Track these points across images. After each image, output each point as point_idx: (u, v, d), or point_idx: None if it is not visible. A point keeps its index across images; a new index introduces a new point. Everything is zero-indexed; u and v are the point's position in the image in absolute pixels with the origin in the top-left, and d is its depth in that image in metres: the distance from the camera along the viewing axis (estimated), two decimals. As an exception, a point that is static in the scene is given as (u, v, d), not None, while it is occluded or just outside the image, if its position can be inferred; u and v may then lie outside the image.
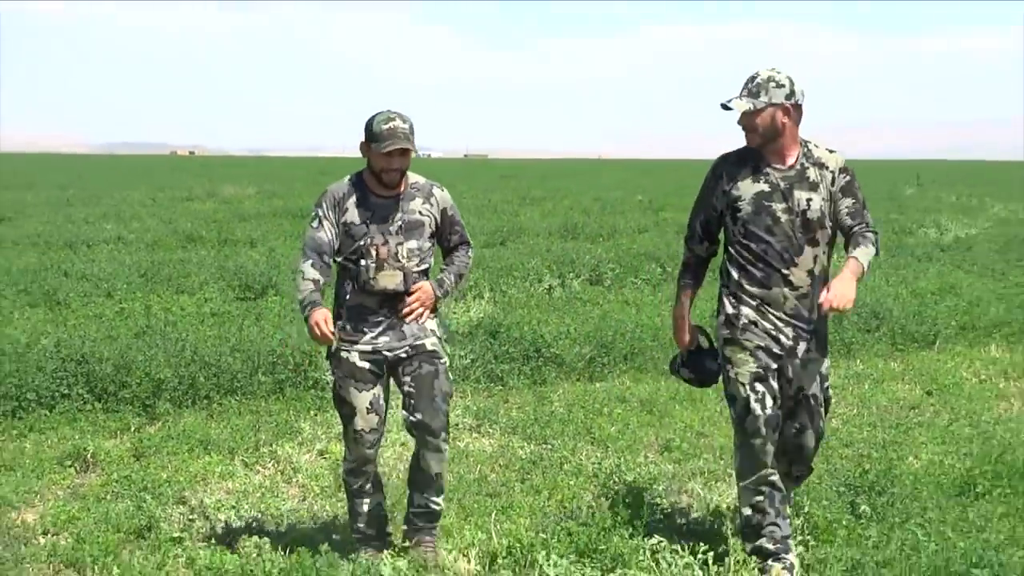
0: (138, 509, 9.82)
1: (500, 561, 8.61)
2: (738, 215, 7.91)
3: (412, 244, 8.34)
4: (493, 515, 9.44)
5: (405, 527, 8.73)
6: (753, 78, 7.88)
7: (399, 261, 8.25)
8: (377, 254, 8.20)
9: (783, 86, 7.82)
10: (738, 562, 8.64)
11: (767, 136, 7.87)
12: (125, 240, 31.39)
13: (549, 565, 8.18)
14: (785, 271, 7.84)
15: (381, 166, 8.22)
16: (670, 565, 8.41)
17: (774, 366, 7.97)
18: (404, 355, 8.41)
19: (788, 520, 8.21)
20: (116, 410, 13.16)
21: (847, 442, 11.84)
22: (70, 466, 11.37)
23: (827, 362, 8.23)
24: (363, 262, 8.23)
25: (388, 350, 8.37)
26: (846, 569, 8.24)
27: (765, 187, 7.86)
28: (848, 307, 7.50)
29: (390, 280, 8.22)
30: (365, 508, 8.59)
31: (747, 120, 7.86)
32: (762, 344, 7.93)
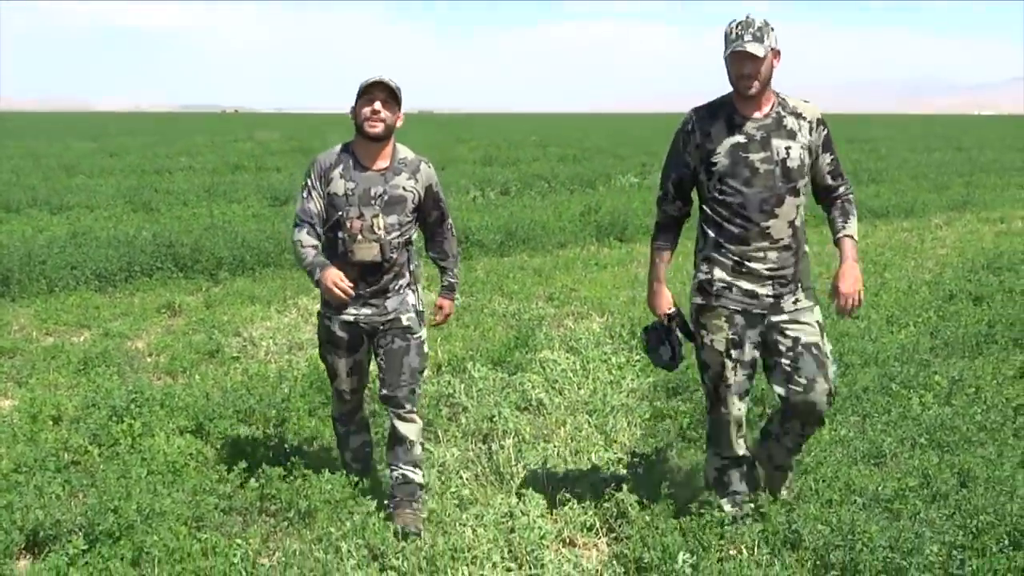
0: (209, 339, 10.05)
1: (443, 368, 8.89)
2: (713, 169, 5.43)
3: (392, 219, 5.88)
4: (438, 340, 9.67)
5: (387, 501, 6.06)
6: (750, 23, 5.35)
7: (375, 233, 5.84)
8: (351, 226, 5.81)
9: (774, 30, 5.41)
10: (597, 364, 8.95)
11: (764, 83, 5.36)
12: (194, 168, 31.32)
13: (475, 369, 8.45)
14: (764, 224, 5.33)
15: (364, 116, 5.75)
16: (552, 370, 8.70)
17: (753, 332, 5.52)
18: (381, 327, 6.01)
19: (752, 481, 5.80)
20: (192, 277, 13.37)
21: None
22: (164, 313, 11.55)
23: (818, 312, 5.65)
24: (340, 234, 5.86)
25: (366, 323, 6.01)
26: (670, 373, 8.54)
27: (741, 138, 5.39)
28: (860, 294, 5.54)
29: (367, 252, 5.85)
30: (352, 445, 6.44)
31: (754, 67, 5.27)
32: (738, 308, 5.47)
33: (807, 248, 5.64)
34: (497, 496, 6.12)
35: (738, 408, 5.63)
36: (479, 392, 8.05)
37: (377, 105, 5.72)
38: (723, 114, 5.47)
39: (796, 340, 5.46)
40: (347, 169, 5.86)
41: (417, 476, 6.07)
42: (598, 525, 5.77)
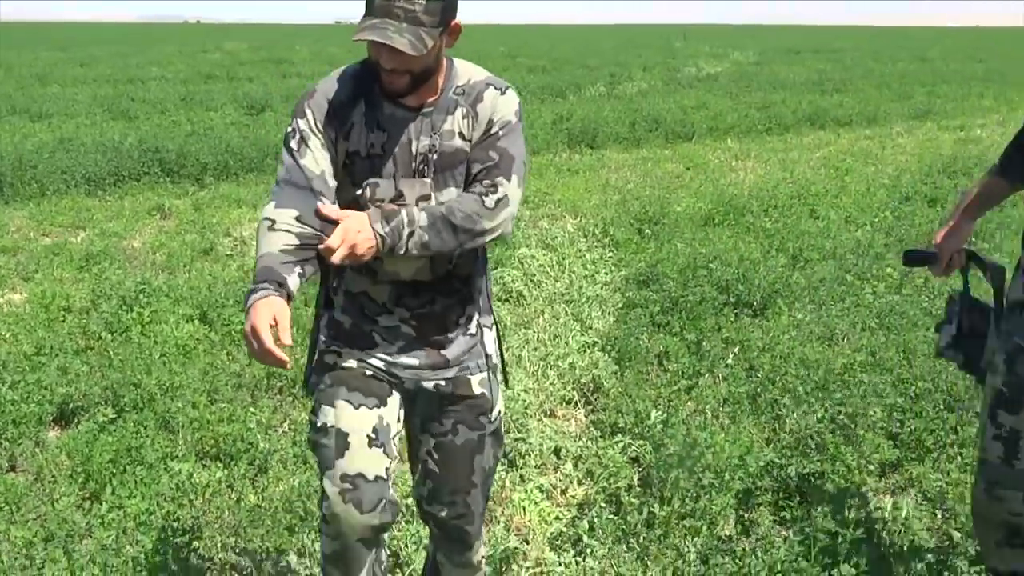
0: (202, 238, 10.51)
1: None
2: None
3: (451, 192, 3.15)
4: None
5: None
6: None
7: None
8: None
9: None
10: (572, 260, 9.45)
11: None
12: (167, 78, 31.59)
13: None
14: None
15: (374, 59, 3.01)
16: (529, 265, 9.20)
17: None
18: (434, 389, 3.37)
19: None
20: (179, 182, 13.75)
21: (637, 196, 12.57)
22: (155, 215, 11.97)
23: None
24: None
25: (413, 375, 3.34)
26: (640, 267, 9.10)
27: None
28: None
29: (407, 263, 3.19)
30: None
31: None
32: None
33: None
34: (483, 374, 6.66)
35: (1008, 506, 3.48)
36: (462, 285, 8.51)
37: (388, 64, 2.96)
38: None
39: None
40: (370, 108, 3.13)
41: None
42: (576, 398, 6.35)
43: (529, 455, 5.48)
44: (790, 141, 19.05)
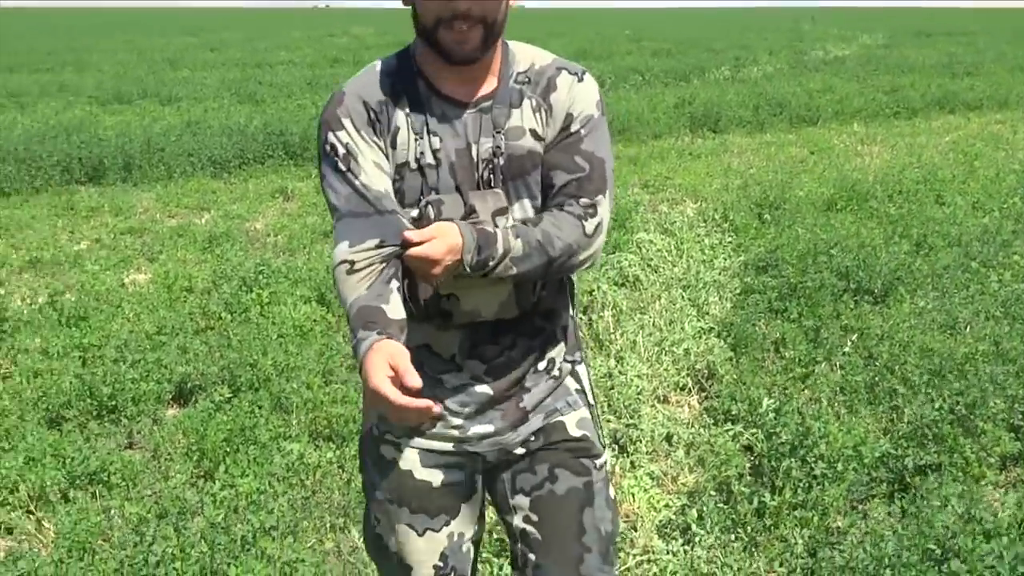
0: (323, 221, 10.58)
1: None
2: None
3: (525, 207, 2.44)
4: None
5: None
6: None
7: None
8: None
9: None
10: (690, 245, 9.36)
11: None
12: (294, 62, 32.14)
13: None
14: None
15: (435, 14, 2.27)
16: (647, 250, 9.13)
17: None
18: (521, 452, 2.62)
19: None
20: (302, 164, 13.94)
21: (759, 180, 12.42)
22: (277, 197, 12.15)
23: None
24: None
25: (492, 445, 2.59)
26: (759, 252, 8.98)
27: None
28: None
29: (484, 299, 2.46)
30: None
31: None
32: None
33: None
34: (597, 359, 6.63)
35: None
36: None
37: (463, 5, 2.27)
38: None
39: None
40: (416, 108, 2.43)
41: None
42: (690, 384, 6.28)
43: (640, 441, 5.43)
44: (918, 125, 18.64)
